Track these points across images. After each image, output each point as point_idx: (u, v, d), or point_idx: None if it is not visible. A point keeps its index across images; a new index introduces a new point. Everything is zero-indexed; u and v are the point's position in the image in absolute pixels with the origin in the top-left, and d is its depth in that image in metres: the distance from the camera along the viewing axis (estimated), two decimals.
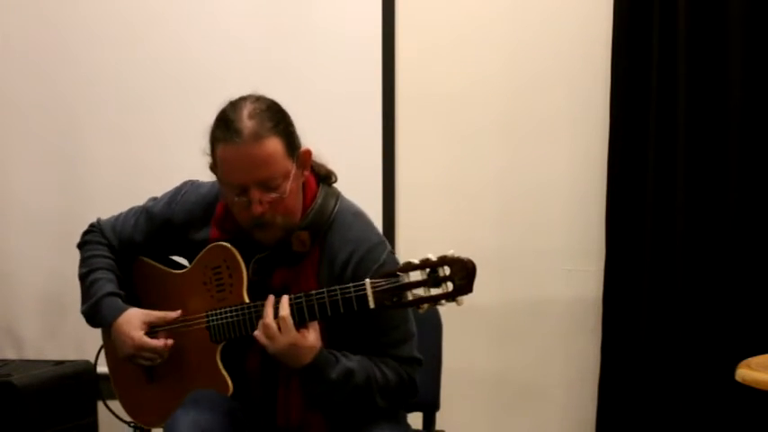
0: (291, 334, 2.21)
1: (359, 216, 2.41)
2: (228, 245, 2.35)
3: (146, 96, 3.69)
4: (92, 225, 2.66)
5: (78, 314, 3.68)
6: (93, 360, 3.59)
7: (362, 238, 2.36)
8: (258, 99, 2.29)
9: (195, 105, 3.63)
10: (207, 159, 3.51)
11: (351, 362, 2.29)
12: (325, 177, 2.41)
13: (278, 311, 2.23)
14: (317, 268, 2.34)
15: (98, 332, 3.55)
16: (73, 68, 3.74)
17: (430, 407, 2.72)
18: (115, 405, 2.75)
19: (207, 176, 2.65)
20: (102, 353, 2.74)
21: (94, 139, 3.74)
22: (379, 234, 2.42)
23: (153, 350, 2.43)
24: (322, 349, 2.25)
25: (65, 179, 3.76)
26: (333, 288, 2.21)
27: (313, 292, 2.23)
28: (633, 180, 3.32)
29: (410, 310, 2.35)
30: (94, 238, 2.62)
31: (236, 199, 2.27)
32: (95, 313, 2.52)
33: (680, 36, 3.21)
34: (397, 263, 2.33)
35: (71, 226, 3.70)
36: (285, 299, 2.23)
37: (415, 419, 2.64)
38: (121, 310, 2.48)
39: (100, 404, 3.63)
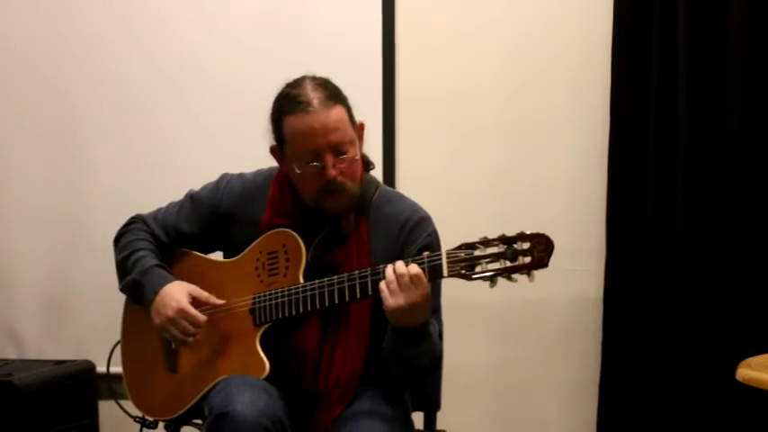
0: (426, 289, 2.26)
1: (402, 195, 2.58)
2: (290, 231, 2.43)
3: (146, 96, 3.69)
4: (132, 217, 2.69)
5: (78, 314, 3.74)
6: (93, 360, 3.62)
7: (413, 208, 2.51)
8: (313, 78, 2.42)
9: (195, 105, 3.65)
10: (207, 158, 3.53)
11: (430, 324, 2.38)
12: (366, 164, 2.54)
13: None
14: (368, 244, 2.44)
15: (98, 332, 3.58)
16: (73, 68, 3.74)
17: (431, 406, 2.72)
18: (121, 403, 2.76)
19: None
20: (116, 351, 2.73)
21: (94, 140, 3.73)
22: (424, 210, 2.53)
23: (192, 320, 2.44)
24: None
25: (65, 179, 3.76)
26: (404, 261, 2.27)
27: (381, 266, 2.29)
28: (633, 179, 3.32)
29: (441, 286, 2.47)
30: (136, 227, 2.65)
31: (308, 167, 2.37)
32: (142, 282, 2.52)
33: (680, 36, 3.21)
34: (440, 241, 2.47)
35: (71, 226, 3.74)
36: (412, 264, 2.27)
37: (416, 419, 2.64)
38: (171, 280, 2.52)
39: (101, 404, 3.63)
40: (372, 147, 3.46)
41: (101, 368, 3.63)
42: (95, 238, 3.71)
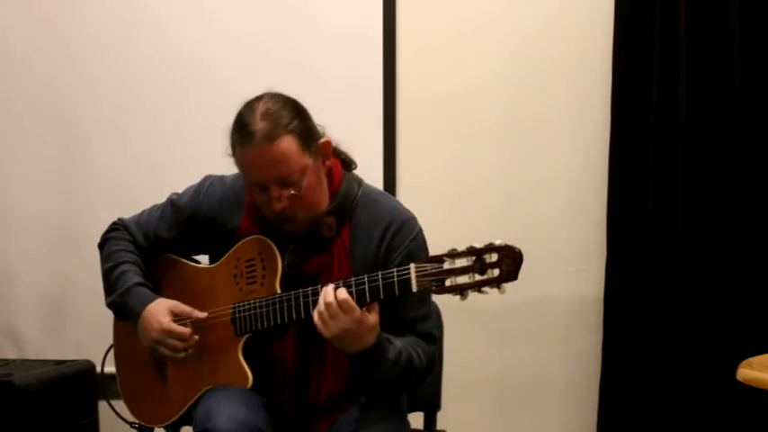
0: (356, 313, 2.22)
1: (385, 194, 2.53)
2: (266, 238, 2.40)
3: (146, 96, 3.69)
4: (114, 223, 2.68)
5: (78, 314, 3.74)
6: (93, 360, 3.62)
7: (396, 211, 2.44)
8: (273, 97, 2.36)
9: (195, 105, 3.64)
10: (207, 158, 3.52)
11: (398, 342, 2.34)
12: (348, 164, 2.49)
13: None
14: (350, 249, 2.40)
15: (98, 332, 3.56)
16: (73, 68, 3.74)
17: (431, 407, 2.72)
18: (118, 405, 2.75)
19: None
20: (111, 352, 2.75)
21: (94, 139, 3.73)
22: (408, 210, 2.47)
23: (179, 336, 2.43)
24: (380, 332, 2.28)
25: (65, 179, 3.76)
26: (374, 274, 2.24)
27: (352, 279, 2.26)
28: (634, 179, 3.32)
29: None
30: (118, 235, 2.64)
31: (258, 195, 2.35)
32: (124, 303, 2.52)
33: (681, 35, 3.21)
34: (425, 241, 2.42)
35: (71, 226, 3.74)
36: (341, 288, 2.24)
37: (416, 419, 2.64)
38: (152, 299, 2.50)
39: (101, 404, 3.63)
40: (372, 147, 3.50)
41: (106, 369, 3.64)
42: (95, 238, 3.66)
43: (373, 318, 2.25)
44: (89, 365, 3.61)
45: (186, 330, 2.44)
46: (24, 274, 3.80)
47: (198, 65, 3.65)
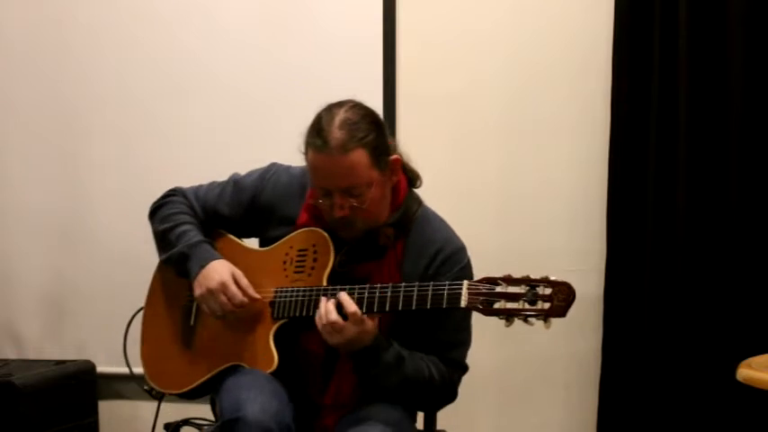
0: (361, 325, 2.27)
1: (442, 220, 2.55)
2: (325, 233, 2.43)
3: (146, 96, 3.69)
4: (172, 189, 2.67)
5: (78, 314, 3.74)
6: (93, 360, 3.63)
7: (450, 238, 2.49)
8: (354, 107, 2.39)
9: (195, 105, 3.64)
10: (207, 158, 3.53)
11: (403, 350, 2.38)
12: (413, 181, 2.53)
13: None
14: (401, 261, 2.44)
15: (98, 332, 3.58)
16: (73, 68, 3.74)
17: None
18: (117, 405, 2.75)
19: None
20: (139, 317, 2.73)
21: (94, 139, 3.73)
22: (461, 240, 2.51)
23: (231, 297, 2.43)
24: (378, 333, 2.33)
25: (65, 179, 3.76)
26: (425, 283, 2.28)
27: (402, 284, 2.30)
28: (634, 179, 3.32)
29: (471, 319, 2.48)
30: (176, 200, 2.64)
31: (321, 200, 2.38)
32: (191, 254, 2.51)
33: (681, 36, 3.21)
34: (473, 275, 2.45)
35: (71, 226, 3.75)
36: (343, 294, 2.29)
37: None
38: (220, 257, 2.51)
39: (101, 404, 3.63)
40: None
41: (101, 368, 3.64)
42: (95, 238, 3.71)
43: (370, 323, 2.30)
44: (89, 365, 3.62)
45: (240, 295, 2.44)
46: (24, 274, 3.80)
47: (198, 65, 3.65)
